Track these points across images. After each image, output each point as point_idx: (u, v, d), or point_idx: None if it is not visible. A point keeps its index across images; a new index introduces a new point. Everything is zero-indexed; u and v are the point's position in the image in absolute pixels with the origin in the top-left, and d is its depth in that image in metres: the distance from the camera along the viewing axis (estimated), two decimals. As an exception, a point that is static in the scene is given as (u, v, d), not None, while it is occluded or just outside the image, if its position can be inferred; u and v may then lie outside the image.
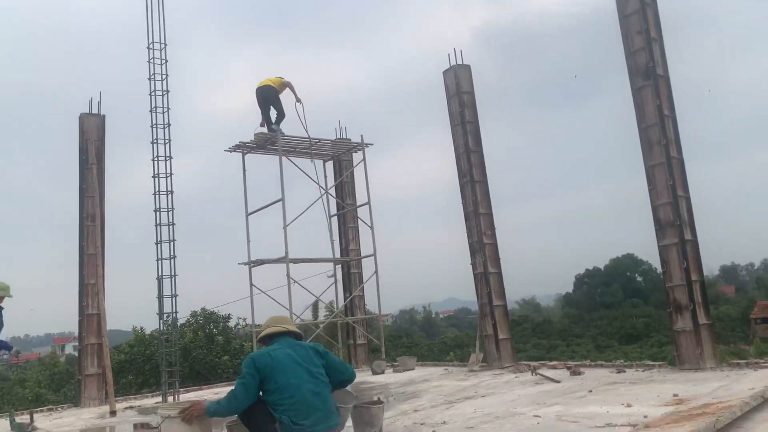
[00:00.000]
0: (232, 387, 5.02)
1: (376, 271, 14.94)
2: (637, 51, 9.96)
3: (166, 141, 11.18)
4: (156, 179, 11.04)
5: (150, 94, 11.27)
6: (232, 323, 20.32)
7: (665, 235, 9.55)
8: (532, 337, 51.03)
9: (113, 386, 11.27)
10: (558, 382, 8.95)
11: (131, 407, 11.20)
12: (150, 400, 12.07)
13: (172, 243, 10.83)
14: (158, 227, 10.81)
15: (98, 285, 11.97)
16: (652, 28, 9.93)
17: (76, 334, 12.71)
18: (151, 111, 11.24)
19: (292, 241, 13.46)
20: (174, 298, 10.72)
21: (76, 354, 13.82)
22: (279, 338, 5.15)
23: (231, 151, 14.69)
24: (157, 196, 10.96)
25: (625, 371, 9.63)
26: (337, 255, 15.73)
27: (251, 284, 14.32)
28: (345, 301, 15.71)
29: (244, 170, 14.75)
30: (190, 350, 17.88)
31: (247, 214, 14.59)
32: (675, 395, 6.76)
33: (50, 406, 12.41)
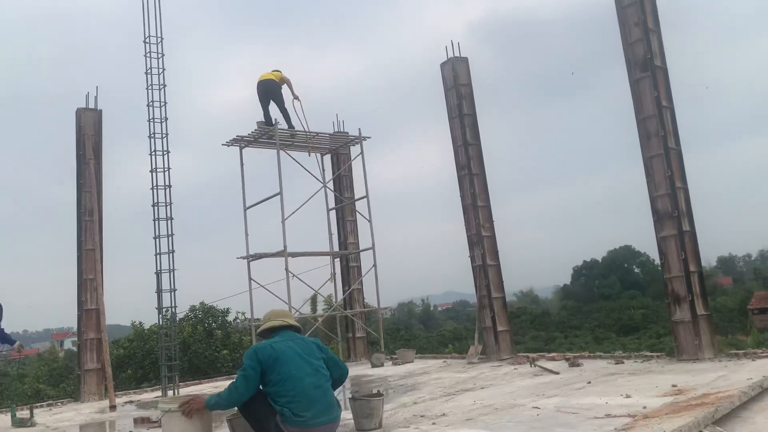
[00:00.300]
0: (232, 380, 5.03)
1: (374, 265, 14.95)
2: (635, 42, 9.95)
3: (164, 135, 11.15)
4: (154, 174, 11.02)
5: (147, 89, 11.23)
6: (231, 317, 20.34)
7: (663, 226, 9.56)
8: (530, 329, 51.14)
9: (113, 381, 11.29)
10: (557, 373, 8.98)
11: (131, 401, 11.22)
12: (150, 395, 12.09)
13: (170, 237, 10.82)
14: (156, 222, 10.80)
15: (97, 280, 11.98)
16: (650, 19, 9.91)
17: (75, 329, 12.70)
18: (148, 105, 11.20)
19: (291, 235, 13.48)
20: (173, 293, 10.72)
21: (76, 349, 13.83)
22: (280, 332, 5.17)
23: (228, 145, 14.68)
24: (155, 190, 10.94)
25: (623, 362, 9.66)
26: (336, 248, 15.74)
27: (250, 278, 14.33)
28: (344, 294, 15.73)
29: (242, 164, 14.76)
30: (189, 344, 17.89)
31: (245, 208, 14.59)
32: (674, 386, 6.78)
33: (50, 401, 12.42)
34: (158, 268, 10.69)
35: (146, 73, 11.27)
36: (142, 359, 18.20)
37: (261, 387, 4.93)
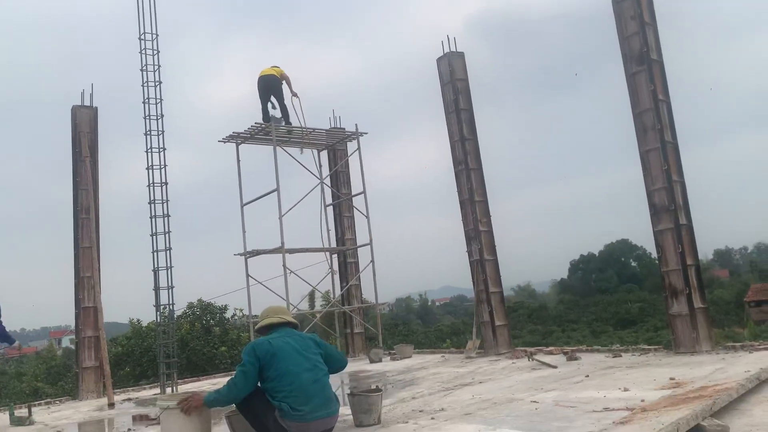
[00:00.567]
0: (231, 377, 5.04)
1: (372, 260, 14.96)
2: (631, 36, 9.94)
3: (160, 132, 11.12)
4: (150, 171, 11.00)
5: (143, 85, 11.20)
6: (228, 314, 20.35)
7: (660, 220, 9.58)
8: (528, 323, 51.25)
9: (111, 378, 11.28)
10: (555, 367, 9.00)
11: (129, 399, 11.21)
12: (148, 392, 12.08)
13: (167, 235, 10.81)
14: (153, 219, 10.79)
15: (94, 278, 11.95)
16: (646, 12, 9.90)
17: (73, 327, 12.70)
18: (144, 102, 11.17)
19: (288, 232, 13.48)
20: (170, 290, 10.71)
21: (73, 347, 13.81)
22: (277, 329, 5.18)
23: (225, 142, 14.66)
24: (151, 187, 10.92)
25: (621, 356, 9.68)
26: (333, 245, 15.74)
27: (247, 275, 14.33)
28: (342, 290, 15.73)
29: (239, 161, 14.74)
30: (187, 341, 17.90)
31: (242, 205, 14.58)
32: (671, 379, 6.80)
33: (48, 400, 12.41)
34: (155, 266, 10.69)
35: (142, 70, 11.24)
36: (140, 357, 18.21)
37: (259, 383, 4.94)
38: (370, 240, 14.98)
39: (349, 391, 6.62)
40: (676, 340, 9.32)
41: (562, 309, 59.54)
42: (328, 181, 15.94)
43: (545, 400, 6.39)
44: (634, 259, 75.55)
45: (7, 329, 8.75)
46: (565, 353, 10.33)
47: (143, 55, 11.24)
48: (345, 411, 6.15)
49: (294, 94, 14.34)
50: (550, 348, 11.62)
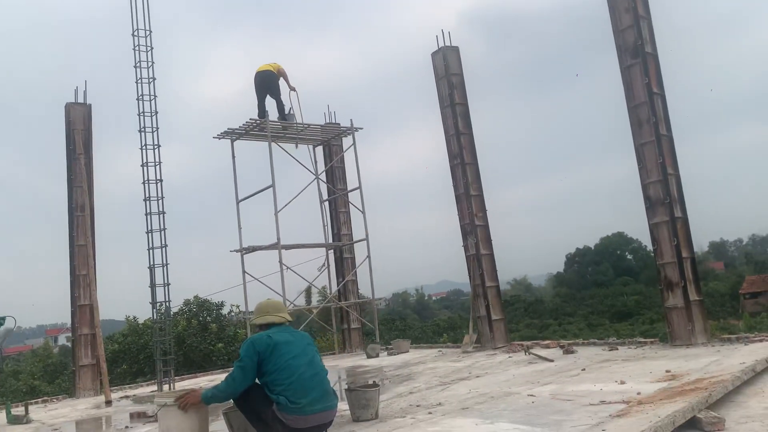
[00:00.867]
0: (229, 372, 5.04)
1: (368, 256, 14.97)
2: (626, 29, 9.94)
3: (154, 129, 11.06)
4: (145, 168, 10.94)
5: (136, 82, 11.13)
6: (225, 311, 20.34)
7: (655, 213, 9.60)
8: (524, 317, 51.37)
9: (108, 376, 11.26)
10: (551, 361, 9.02)
11: (127, 396, 11.21)
12: (145, 389, 12.08)
13: (163, 232, 10.76)
14: (149, 216, 10.73)
15: (90, 275, 11.92)
16: (640, 5, 9.90)
17: (69, 325, 12.67)
18: (137, 99, 11.11)
19: (284, 228, 13.48)
20: (166, 287, 10.67)
21: (70, 345, 13.79)
22: (276, 326, 5.18)
23: (220, 138, 14.62)
24: (146, 184, 10.86)
25: (617, 349, 9.72)
26: (330, 240, 15.73)
27: (244, 271, 14.32)
28: (338, 285, 15.73)
29: (234, 157, 14.71)
30: (184, 338, 17.89)
31: (238, 201, 14.56)
32: (667, 371, 6.83)
33: (45, 398, 12.39)
34: (151, 263, 10.65)
35: (135, 67, 11.18)
36: (137, 354, 18.19)
37: (257, 378, 4.95)
38: (366, 235, 14.99)
39: (346, 387, 6.62)
40: (672, 333, 9.36)
41: (559, 302, 59.70)
42: (323, 176, 15.92)
43: (542, 393, 6.41)
44: (630, 252, 75.76)
45: (3, 326, 8.72)
46: (562, 347, 10.36)
47: (137, 52, 11.17)
48: (342, 406, 6.16)
49: (292, 89, 14.34)
50: (547, 342, 11.64)
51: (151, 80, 11.14)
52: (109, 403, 10.32)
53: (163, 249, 10.68)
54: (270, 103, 14.09)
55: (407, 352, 13.28)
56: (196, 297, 19.69)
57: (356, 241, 15.65)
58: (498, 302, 12.28)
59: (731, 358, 7.25)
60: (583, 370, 7.80)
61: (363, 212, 15.08)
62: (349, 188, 15.93)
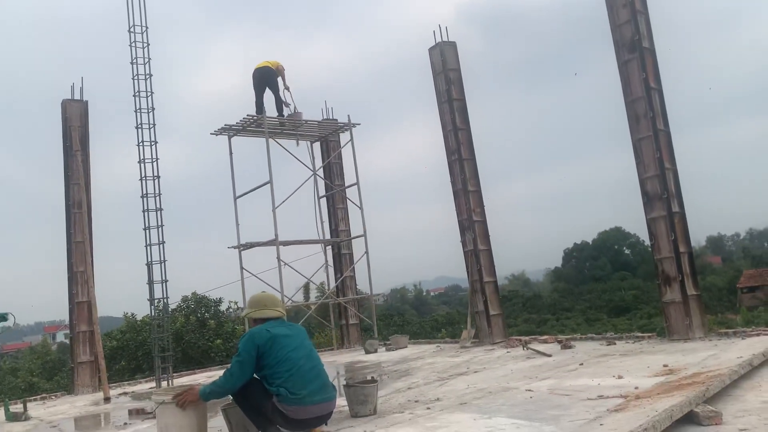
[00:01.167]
0: (227, 368, 5.06)
1: (366, 252, 14.97)
2: (623, 24, 9.93)
3: (151, 125, 11.03)
4: (142, 164, 10.92)
5: (133, 79, 11.11)
6: (223, 307, 20.35)
7: (653, 208, 9.61)
8: (522, 312, 51.51)
9: (106, 373, 11.27)
10: (549, 356, 9.04)
11: (125, 393, 11.21)
12: (144, 386, 12.08)
13: (160, 228, 10.75)
14: (146, 213, 10.72)
15: (87, 272, 11.92)
16: (637, 0, 9.89)
17: (67, 322, 12.66)
18: (134, 95, 11.09)
19: (282, 224, 13.47)
20: (164, 284, 10.66)
21: (68, 342, 13.79)
22: (272, 320, 5.21)
23: (217, 134, 14.60)
24: (143, 181, 10.85)
25: (615, 343, 9.73)
26: (327, 236, 15.73)
27: (242, 267, 14.32)
28: (336, 282, 15.74)
29: (231, 153, 14.70)
30: (182, 335, 17.89)
31: (236, 198, 14.54)
32: (665, 366, 6.84)
33: (43, 395, 12.39)
34: (149, 260, 10.64)
35: (132, 63, 11.15)
36: (135, 350, 18.20)
37: (256, 373, 4.97)
38: (364, 231, 14.99)
39: (345, 382, 6.63)
40: (670, 327, 9.38)
41: (557, 297, 59.82)
42: (321, 172, 15.91)
43: (540, 388, 6.42)
44: (628, 246, 75.87)
45: (1, 324, 8.71)
46: (560, 342, 10.37)
47: (133, 48, 11.14)
48: (341, 402, 6.16)
49: (286, 87, 14.35)
50: (545, 336, 11.67)
51: (147, 77, 11.11)
52: (107, 399, 10.33)
53: (161, 246, 10.67)
54: (268, 99, 14.09)
55: (405, 347, 13.29)
56: (194, 293, 19.70)
57: (354, 237, 15.65)
58: (496, 297, 12.29)
59: (728, 353, 7.26)
60: (581, 364, 7.81)
61: (361, 208, 15.08)
62: (346, 184, 15.91)
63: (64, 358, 24.47)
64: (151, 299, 10.61)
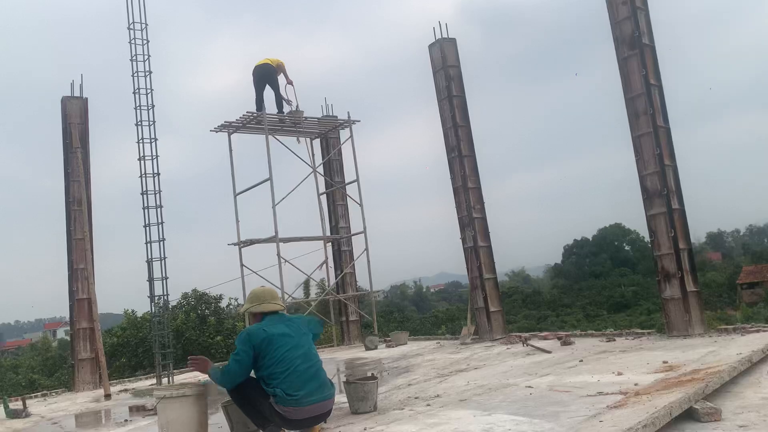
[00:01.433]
0: (225, 363, 5.06)
1: (366, 248, 14.97)
2: (623, 20, 9.91)
3: (151, 123, 11.04)
4: (142, 161, 10.93)
5: (132, 75, 11.11)
6: (223, 304, 20.38)
7: (653, 204, 9.61)
8: (522, 309, 51.53)
9: (107, 369, 11.29)
10: (549, 352, 9.05)
11: (126, 390, 11.23)
12: (144, 383, 12.10)
13: (160, 225, 10.76)
14: (146, 210, 10.73)
15: (87, 269, 11.93)
16: (638, -3, 9.88)
17: (68, 318, 12.68)
18: (134, 92, 11.09)
19: (282, 221, 13.47)
20: (164, 281, 10.68)
21: (69, 339, 13.82)
22: (271, 315, 5.18)
23: (217, 131, 14.60)
24: (143, 178, 10.86)
25: (614, 340, 9.74)
26: (327, 233, 15.74)
27: (242, 264, 14.32)
28: (336, 278, 15.75)
29: (231, 150, 14.69)
30: (182, 332, 17.93)
31: (236, 195, 14.54)
32: (664, 362, 6.85)
33: (44, 391, 12.42)
34: (149, 257, 10.65)
35: (131, 60, 11.15)
36: (135, 347, 18.23)
37: (253, 372, 4.96)
38: (364, 228, 14.99)
39: (345, 379, 6.64)
40: (669, 324, 9.39)
41: (556, 294, 59.87)
42: (321, 169, 15.90)
43: (540, 385, 6.43)
44: (628, 243, 75.90)
45: (1, 322, 8.74)
46: (560, 338, 10.38)
47: (133, 45, 11.14)
48: (341, 398, 6.18)
49: (289, 82, 14.35)
50: (545, 333, 11.67)
51: (147, 74, 11.11)
52: (108, 396, 10.35)
53: (161, 243, 10.69)
54: (268, 97, 14.09)
55: (405, 344, 13.31)
56: (194, 290, 19.75)
57: (354, 234, 15.65)
58: (496, 294, 12.31)
59: (728, 349, 7.27)
60: (581, 361, 7.82)
61: (361, 205, 15.09)
62: (346, 181, 15.91)
63: (65, 355, 24.49)
64: (152, 296, 10.63)
